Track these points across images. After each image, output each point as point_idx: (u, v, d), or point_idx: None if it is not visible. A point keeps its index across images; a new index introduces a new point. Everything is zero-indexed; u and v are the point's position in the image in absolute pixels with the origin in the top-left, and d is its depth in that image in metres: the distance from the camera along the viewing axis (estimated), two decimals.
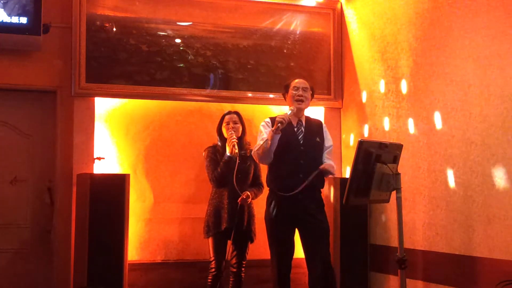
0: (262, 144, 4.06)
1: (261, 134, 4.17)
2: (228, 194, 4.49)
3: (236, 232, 4.40)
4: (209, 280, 4.48)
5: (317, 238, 4.08)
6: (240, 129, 4.62)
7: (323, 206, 4.19)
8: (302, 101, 4.19)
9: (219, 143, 4.64)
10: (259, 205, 4.47)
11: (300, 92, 4.21)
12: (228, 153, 4.46)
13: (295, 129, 4.20)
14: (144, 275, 4.93)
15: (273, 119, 4.17)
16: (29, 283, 4.84)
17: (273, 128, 3.98)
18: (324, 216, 4.15)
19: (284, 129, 4.00)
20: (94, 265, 4.30)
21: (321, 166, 4.08)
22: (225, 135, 4.58)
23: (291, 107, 4.17)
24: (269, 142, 4.00)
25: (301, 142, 4.18)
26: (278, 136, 4.01)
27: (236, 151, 4.40)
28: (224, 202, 4.49)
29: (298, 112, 4.21)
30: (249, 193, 4.49)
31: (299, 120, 4.24)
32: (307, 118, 4.32)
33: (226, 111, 4.72)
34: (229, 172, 4.43)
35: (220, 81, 5.22)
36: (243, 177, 4.52)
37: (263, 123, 4.24)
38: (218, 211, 4.51)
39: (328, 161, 4.18)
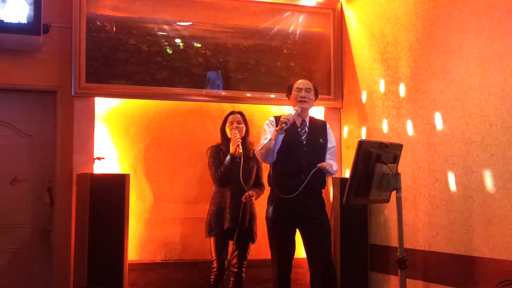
0: (265, 144, 4.05)
1: (265, 133, 4.17)
2: (231, 194, 4.49)
3: (238, 232, 4.41)
4: (211, 280, 4.48)
5: (319, 238, 4.08)
6: (244, 129, 4.63)
7: (324, 207, 4.19)
8: (305, 102, 4.18)
9: (222, 143, 4.65)
10: (260, 205, 4.47)
11: (303, 94, 4.20)
12: (232, 152, 4.46)
13: (299, 129, 4.20)
14: (144, 275, 4.93)
15: (277, 118, 4.17)
16: (29, 283, 4.84)
17: (277, 128, 3.98)
18: (326, 216, 4.14)
19: (287, 129, 3.99)
20: (94, 265, 4.30)
21: (319, 164, 4.06)
22: (229, 135, 4.58)
23: (296, 107, 4.15)
24: (273, 142, 3.99)
25: (304, 142, 4.17)
26: (282, 136, 4.00)
27: (241, 150, 4.40)
28: (226, 202, 4.49)
29: (302, 113, 4.20)
30: (252, 192, 4.49)
31: (303, 120, 4.24)
32: (311, 119, 4.32)
33: (230, 111, 4.73)
34: (232, 172, 4.44)
35: (220, 81, 5.22)
36: (246, 177, 4.51)
37: (267, 122, 4.23)
38: (220, 210, 4.51)
39: (329, 161, 4.18)
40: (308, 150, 4.15)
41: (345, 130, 5.49)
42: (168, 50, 5.05)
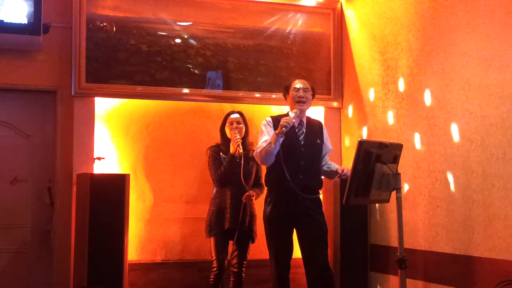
0: (265, 147, 4.02)
1: (263, 134, 4.15)
2: (231, 194, 4.50)
3: (238, 232, 4.41)
4: (211, 279, 4.48)
5: (316, 238, 4.07)
6: (244, 129, 4.63)
7: (321, 207, 4.18)
8: (303, 102, 4.17)
9: (222, 143, 4.65)
10: (260, 205, 4.47)
11: (301, 93, 4.18)
12: (232, 152, 4.46)
13: (297, 130, 4.19)
14: (144, 275, 4.93)
15: (274, 119, 4.16)
16: (29, 283, 4.84)
17: (277, 131, 3.96)
18: (323, 217, 4.14)
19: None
20: (94, 265, 4.29)
21: (340, 169, 4.09)
22: (228, 135, 4.58)
23: (295, 110, 4.13)
24: (272, 145, 3.98)
25: (302, 143, 4.16)
26: (282, 139, 3.98)
27: (241, 151, 4.41)
28: (227, 202, 4.50)
29: (300, 113, 4.20)
30: (253, 192, 4.50)
31: (301, 121, 4.22)
32: (308, 119, 4.31)
33: (229, 111, 4.73)
34: (232, 172, 4.44)
35: (220, 81, 5.22)
36: (247, 178, 4.51)
37: (264, 122, 4.21)
38: (220, 210, 4.51)
39: (335, 165, 4.20)
40: (306, 150, 4.15)
41: (345, 130, 5.49)
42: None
